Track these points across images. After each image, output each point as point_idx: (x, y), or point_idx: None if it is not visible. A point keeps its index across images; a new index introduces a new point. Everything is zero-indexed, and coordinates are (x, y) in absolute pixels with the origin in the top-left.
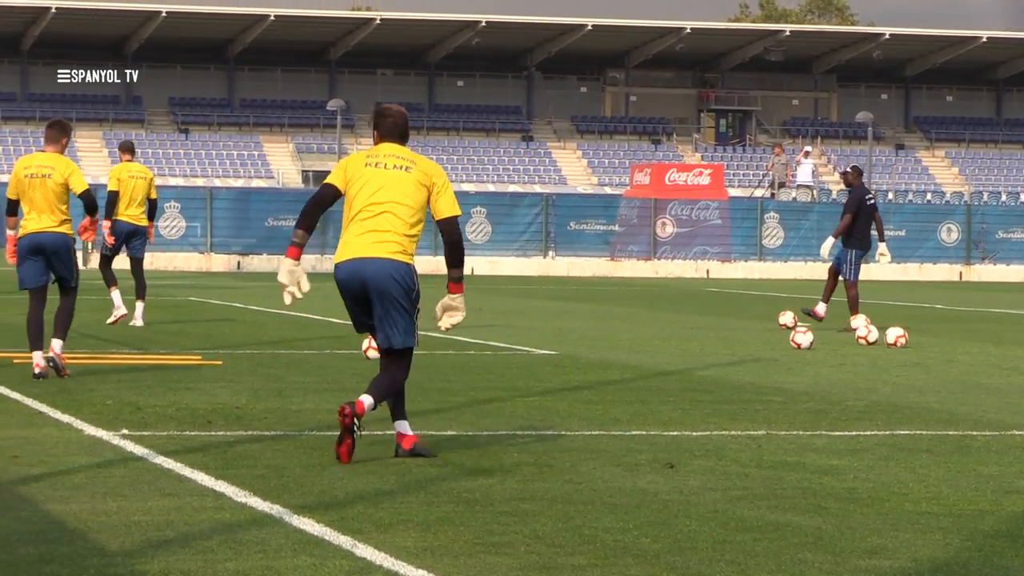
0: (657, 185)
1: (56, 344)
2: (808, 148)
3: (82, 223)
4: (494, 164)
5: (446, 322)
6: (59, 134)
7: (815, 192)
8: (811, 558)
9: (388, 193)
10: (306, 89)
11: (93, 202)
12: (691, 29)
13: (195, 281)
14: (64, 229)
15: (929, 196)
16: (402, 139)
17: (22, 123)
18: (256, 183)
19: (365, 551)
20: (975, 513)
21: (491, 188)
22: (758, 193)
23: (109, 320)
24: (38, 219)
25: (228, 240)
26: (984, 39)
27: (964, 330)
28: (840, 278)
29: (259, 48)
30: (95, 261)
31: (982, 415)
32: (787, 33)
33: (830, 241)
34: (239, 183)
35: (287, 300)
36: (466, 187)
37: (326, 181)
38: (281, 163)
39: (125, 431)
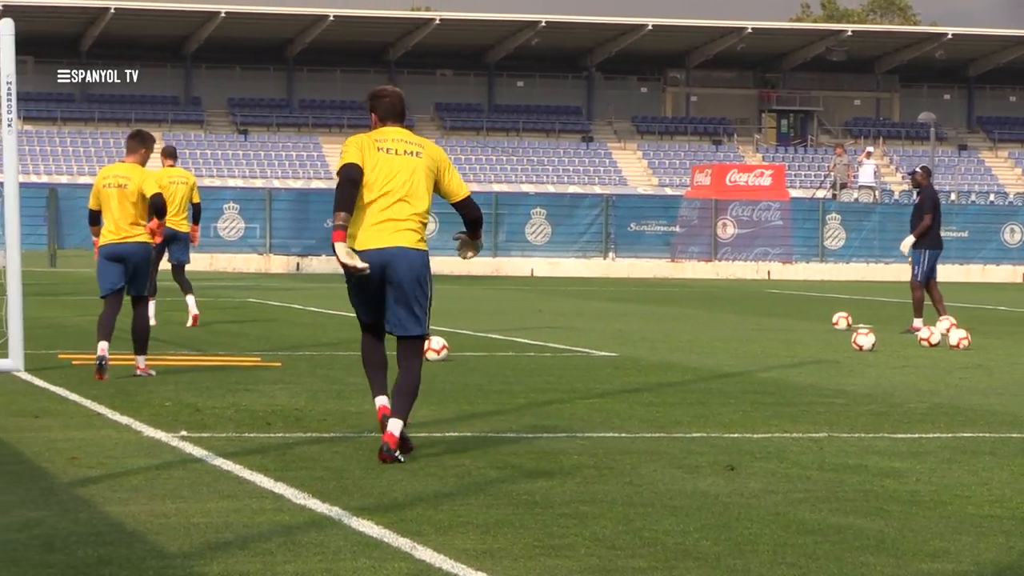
0: (718, 186)
1: (140, 360)
2: (870, 149)
3: (149, 225)
4: (554, 165)
5: (466, 253)
6: (138, 144)
7: (877, 193)
8: (873, 561)
9: (402, 180)
10: (365, 90)
11: (162, 205)
12: (752, 29)
13: (254, 282)
14: (143, 238)
15: (992, 197)
16: (401, 119)
17: (81, 124)
18: (315, 184)
19: (424, 553)
20: None
21: (551, 189)
22: (820, 194)
23: (188, 323)
24: (116, 229)
25: (287, 241)
26: None
27: None
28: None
29: (318, 48)
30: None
31: None
32: (849, 33)
33: (910, 239)
34: (298, 184)
35: (360, 266)
36: (525, 188)
37: (349, 161)
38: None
39: (184, 433)
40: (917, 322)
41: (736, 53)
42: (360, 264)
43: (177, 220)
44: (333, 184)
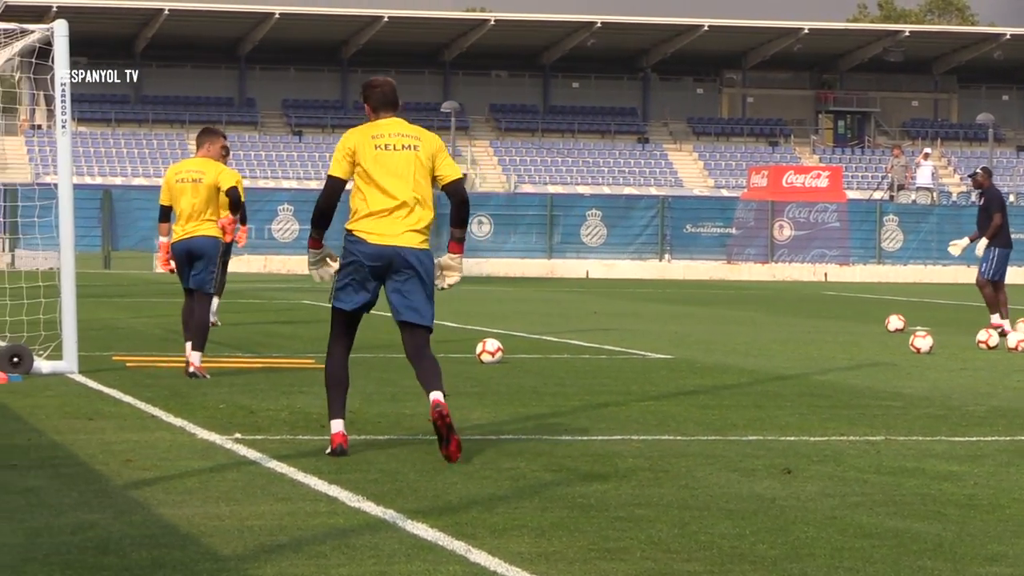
0: (774, 187)
1: (195, 357)
2: (928, 150)
3: (222, 221)
4: (609, 166)
5: (444, 281)
6: (207, 139)
7: (935, 195)
8: (930, 565)
9: (404, 177)
10: (420, 91)
11: (237, 198)
12: (809, 30)
13: (308, 284)
14: (213, 232)
15: None
16: (395, 108)
17: (135, 125)
18: None
19: (479, 556)
20: None
21: (606, 191)
22: (877, 195)
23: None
24: (187, 224)
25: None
26: None
27: None
28: (981, 277)
29: (373, 50)
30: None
31: None
32: (906, 33)
33: (983, 242)
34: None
35: (316, 279)
36: (581, 189)
37: (331, 174)
38: None
39: (238, 435)
40: (995, 318)
41: (793, 54)
42: (320, 273)
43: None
44: None
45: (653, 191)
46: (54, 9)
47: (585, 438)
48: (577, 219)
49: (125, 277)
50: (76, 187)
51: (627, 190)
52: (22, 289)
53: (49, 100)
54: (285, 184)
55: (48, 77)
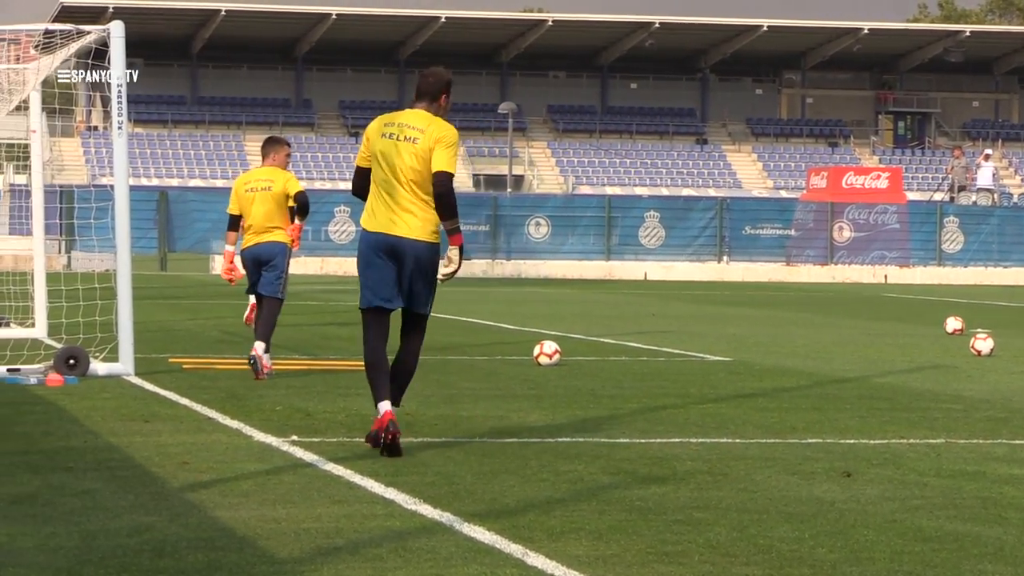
0: (834, 188)
1: (259, 346)
2: (989, 151)
3: (292, 228)
4: (667, 167)
5: (440, 271)
6: (273, 148)
7: (996, 196)
8: (991, 569)
9: (401, 167)
10: (477, 92)
11: (305, 203)
12: (869, 30)
13: None
14: (281, 237)
15: None
16: (426, 99)
17: (191, 127)
18: None
19: (536, 560)
20: None
21: (664, 192)
22: (937, 197)
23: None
24: (256, 231)
25: None
26: None
27: None
28: None
29: (430, 50)
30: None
31: None
32: (967, 33)
33: None
34: None
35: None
36: (639, 191)
37: (356, 163)
38: None
39: (295, 437)
40: None
41: (852, 54)
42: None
43: None
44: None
45: (712, 192)
46: (110, 10)
47: (643, 441)
48: (635, 221)
49: (181, 279)
50: (132, 188)
51: (685, 191)
52: (78, 291)
53: (105, 102)
54: (342, 185)
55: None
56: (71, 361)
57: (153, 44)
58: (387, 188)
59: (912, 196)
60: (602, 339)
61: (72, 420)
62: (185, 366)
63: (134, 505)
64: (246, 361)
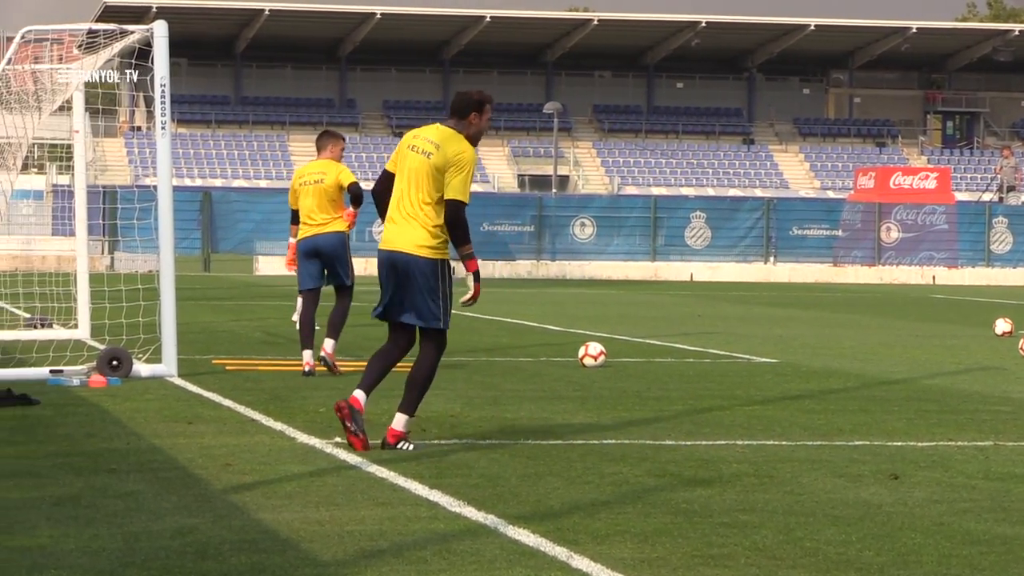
0: (882, 189)
1: (328, 344)
2: None
3: (347, 212)
4: (714, 168)
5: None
6: (329, 142)
7: None
8: None
9: (412, 181)
10: (522, 92)
11: (359, 193)
12: (917, 29)
13: None
14: (337, 227)
15: None
16: (459, 117)
17: (235, 126)
18: (473, 187)
19: (581, 562)
20: None
21: (711, 192)
22: (986, 197)
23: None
24: (311, 223)
25: None
26: None
27: None
28: None
29: (474, 50)
30: None
31: None
32: (1016, 33)
33: None
34: None
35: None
36: (685, 191)
37: (386, 166)
38: (497, 167)
39: (338, 439)
40: None
41: (900, 53)
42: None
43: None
44: (489, 187)
45: (758, 193)
46: (153, 10)
47: (689, 443)
48: (681, 221)
49: (225, 280)
50: (176, 189)
51: (732, 191)
52: (121, 292)
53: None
54: None
55: (148, 78)
56: (114, 362)
57: (197, 44)
58: (399, 197)
59: (960, 196)
60: (647, 340)
61: (115, 422)
62: (228, 367)
63: (177, 507)
64: (289, 362)
